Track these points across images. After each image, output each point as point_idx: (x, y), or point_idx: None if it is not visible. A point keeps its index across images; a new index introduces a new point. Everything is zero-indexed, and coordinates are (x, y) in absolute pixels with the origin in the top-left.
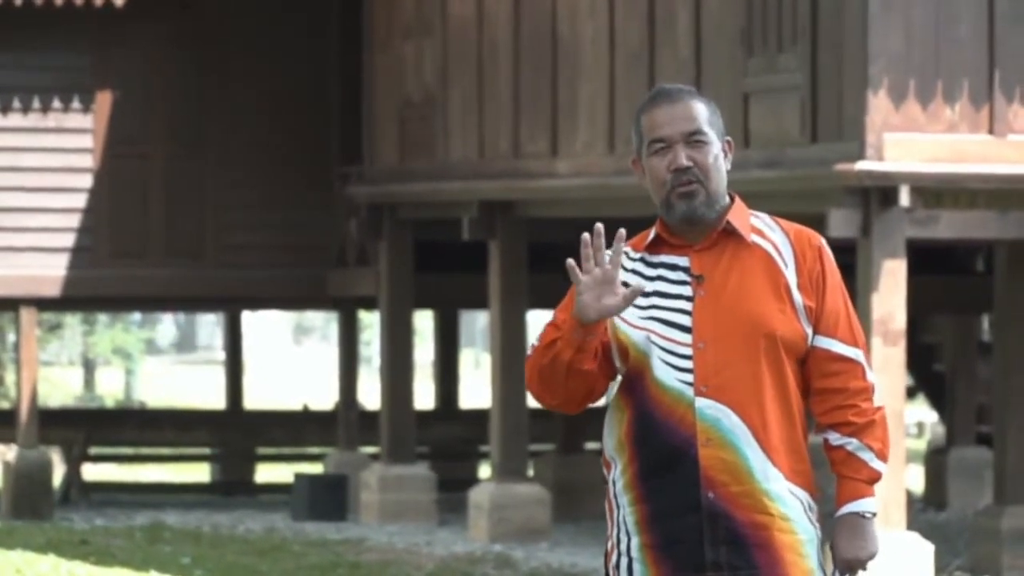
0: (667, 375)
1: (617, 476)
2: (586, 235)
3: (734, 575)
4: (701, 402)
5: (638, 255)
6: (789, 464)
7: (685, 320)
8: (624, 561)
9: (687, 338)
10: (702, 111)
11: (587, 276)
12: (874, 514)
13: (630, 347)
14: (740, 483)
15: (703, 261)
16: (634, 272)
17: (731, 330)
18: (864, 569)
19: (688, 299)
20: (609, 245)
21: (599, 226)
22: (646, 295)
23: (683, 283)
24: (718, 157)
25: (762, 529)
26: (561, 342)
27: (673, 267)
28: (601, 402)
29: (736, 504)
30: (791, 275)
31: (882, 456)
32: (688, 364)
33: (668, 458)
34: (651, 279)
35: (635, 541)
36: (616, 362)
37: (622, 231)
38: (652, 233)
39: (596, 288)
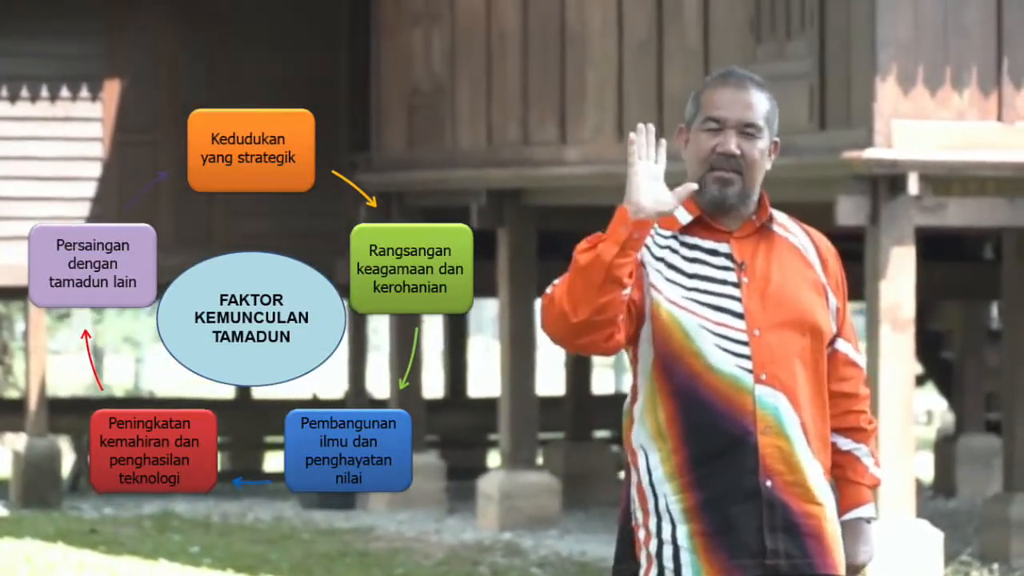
0: (724, 361)
1: (654, 465)
2: (641, 126)
3: (790, 563)
4: (761, 390)
5: (668, 233)
6: (823, 459)
7: (736, 306)
8: (669, 550)
9: (741, 324)
10: (763, 105)
11: (643, 163)
12: (873, 518)
13: (675, 328)
14: (793, 472)
15: (743, 249)
16: (669, 249)
17: (781, 320)
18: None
19: (735, 285)
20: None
21: (650, 125)
22: (688, 276)
23: (727, 269)
24: (764, 153)
25: (813, 519)
26: (606, 241)
27: (713, 252)
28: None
29: (790, 493)
30: (821, 275)
31: (879, 465)
32: (745, 351)
33: (724, 445)
34: (689, 260)
35: (683, 529)
36: (644, 346)
37: (649, 125)
38: (681, 211)
39: (649, 180)
